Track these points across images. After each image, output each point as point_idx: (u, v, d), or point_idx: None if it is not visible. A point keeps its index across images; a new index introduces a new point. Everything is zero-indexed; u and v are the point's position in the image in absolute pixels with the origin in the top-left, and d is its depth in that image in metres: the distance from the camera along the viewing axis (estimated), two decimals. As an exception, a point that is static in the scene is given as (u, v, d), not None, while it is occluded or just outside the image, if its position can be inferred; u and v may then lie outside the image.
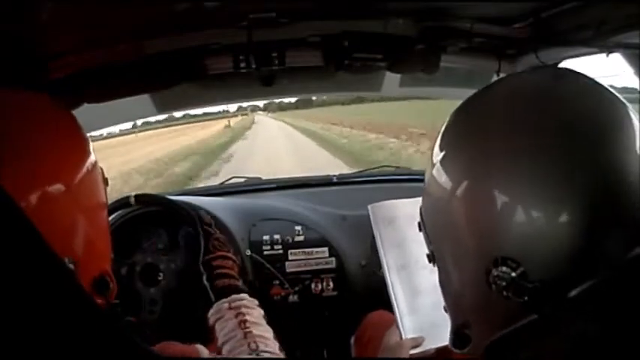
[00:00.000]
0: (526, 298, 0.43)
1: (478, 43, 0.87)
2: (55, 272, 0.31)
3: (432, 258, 0.55)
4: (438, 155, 0.51)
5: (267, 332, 0.73)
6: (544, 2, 0.77)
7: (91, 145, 0.62)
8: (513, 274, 0.43)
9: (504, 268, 0.43)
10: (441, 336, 0.81)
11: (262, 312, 0.78)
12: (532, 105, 0.46)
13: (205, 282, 0.83)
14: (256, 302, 0.79)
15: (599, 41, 0.76)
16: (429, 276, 0.89)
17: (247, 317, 0.74)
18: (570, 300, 0.42)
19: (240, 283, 0.84)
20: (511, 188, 0.43)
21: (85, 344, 0.31)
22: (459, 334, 0.53)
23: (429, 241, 0.55)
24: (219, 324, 0.75)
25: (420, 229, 0.56)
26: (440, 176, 0.49)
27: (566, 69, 0.53)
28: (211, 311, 0.78)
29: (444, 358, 0.84)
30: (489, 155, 0.45)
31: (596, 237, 0.42)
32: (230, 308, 0.76)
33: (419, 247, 0.90)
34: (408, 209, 0.93)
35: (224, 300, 0.78)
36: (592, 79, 0.48)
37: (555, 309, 0.42)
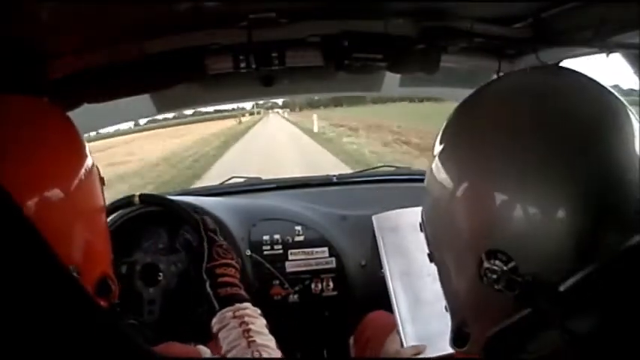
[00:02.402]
0: (517, 291, 0.43)
1: (478, 43, 0.87)
2: (58, 276, 0.32)
3: (431, 257, 0.56)
4: (436, 152, 0.51)
5: (270, 341, 0.74)
6: (544, 2, 0.77)
7: (88, 147, 0.62)
8: (504, 268, 0.43)
9: (496, 262, 0.44)
10: (442, 345, 0.81)
11: (265, 322, 0.78)
12: (528, 103, 0.46)
13: (208, 289, 0.83)
14: (259, 311, 0.80)
15: (599, 41, 0.76)
16: (432, 285, 0.89)
17: (251, 326, 0.74)
18: (562, 293, 0.42)
19: (242, 291, 0.84)
20: (506, 184, 0.44)
21: (89, 346, 0.31)
22: (458, 332, 0.53)
23: (428, 241, 0.55)
24: (222, 332, 0.75)
25: (422, 230, 0.56)
26: (438, 173, 0.50)
27: (563, 67, 0.54)
28: (215, 319, 0.78)
29: None
30: (485, 152, 0.46)
31: (590, 232, 0.42)
32: (234, 317, 0.77)
33: (423, 255, 0.90)
34: (411, 218, 0.93)
35: (228, 308, 0.78)
36: (589, 77, 0.48)
37: (547, 302, 0.42)
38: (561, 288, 0.42)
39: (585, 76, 0.48)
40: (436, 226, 0.53)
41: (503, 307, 0.45)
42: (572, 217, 0.41)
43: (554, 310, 0.42)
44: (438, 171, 0.50)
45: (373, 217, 0.95)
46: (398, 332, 0.89)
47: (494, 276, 0.44)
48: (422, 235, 0.90)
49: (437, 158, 0.51)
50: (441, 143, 0.51)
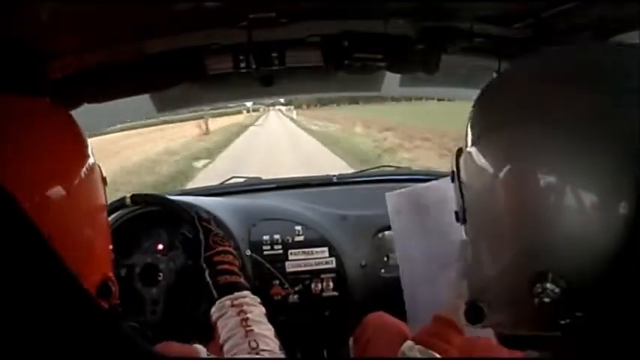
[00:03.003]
0: (568, 320, 0.40)
1: (478, 43, 0.87)
2: (60, 276, 0.32)
3: (460, 217, 0.51)
4: (479, 131, 0.47)
5: (268, 331, 0.74)
6: (544, 2, 0.77)
7: (90, 146, 0.62)
8: (557, 290, 0.40)
9: (548, 285, 0.40)
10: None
11: (264, 309, 0.78)
12: (585, 80, 0.41)
13: (208, 278, 0.83)
14: (258, 300, 0.80)
15: (599, 41, 0.76)
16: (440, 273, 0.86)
17: (249, 315, 0.74)
18: (602, 328, 0.38)
19: (242, 279, 0.84)
20: (561, 177, 0.39)
21: (91, 346, 0.31)
22: (475, 306, 0.50)
23: (461, 199, 0.50)
24: (221, 321, 0.75)
25: (453, 180, 0.52)
26: (480, 156, 0.46)
27: (613, 44, 0.50)
28: (214, 308, 0.78)
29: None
30: (537, 138, 0.41)
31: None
32: (232, 306, 0.77)
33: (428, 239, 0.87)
34: (421, 198, 0.89)
35: (227, 297, 0.78)
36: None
37: (589, 340, 0.39)
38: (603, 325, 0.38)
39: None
40: (478, 212, 0.48)
41: (534, 310, 0.42)
42: (634, 217, 0.36)
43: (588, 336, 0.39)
44: (484, 160, 0.45)
45: (386, 195, 0.92)
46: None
47: (547, 299, 0.40)
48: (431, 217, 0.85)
49: (476, 150, 0.46)
50: (480, 126, 0.47)
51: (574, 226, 0.38)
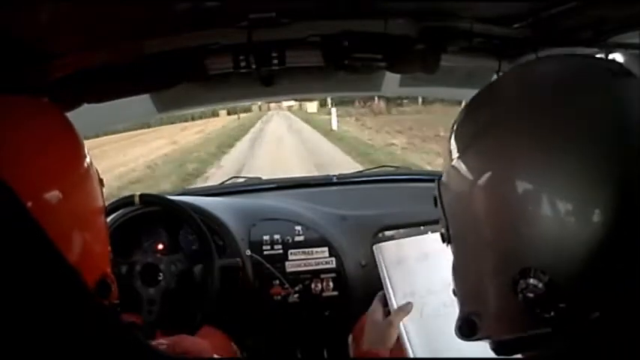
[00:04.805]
0: (552, 313, 0.41)
1: (478, 43, 0.87)
2: (62, 274, 0.32)
3: (446, 238, 0.53)
4: (458, 144, 0.49)
5: None
6: (544, 2, 0.77)
7: (86, 148, 0.62)
8: (540, 285, 0.41)
9: (531, 280, 0.42)
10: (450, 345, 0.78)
11: None
12: (561, 92, 0.43)
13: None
14: None
15: (599, 41, 0.76)
16: (436, 301, 0.86)
17: None
18: (591, 322, 0.40)
19: None
20: (539, 184, 0.41)
21: (92, 343, 0.31)
22: (467, 320, 0.51)
23: (445, 220, 0.52)
24: None
25: (436, 205, 0.54)
26: (460, 167, 0.48)
27: (593, 56, 0.52)
28: None
29: None
30: (514, 147, 0.43)
31: (627, 241, 0.39)
32: None
33: (428, 280, 0.88)
34: (414, 250, 0.92)
35: None
36: (620, 65, 0.47)
37: (576, 331, 0.40)
38: (592, 316, 0.40)
39: (616, 63, 0.47)
40: (459, 221, 0.50)
41: (523, 313, 0.44)
42: (607, 222, 0.38)
43: (578, 336, 0.40)
44: (461, 166, 0.48)
45: (374, 247, 0.95)
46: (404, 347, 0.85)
47: (531, 295, 0.42)
48: (426, 265, 0.88)
49: (460, 152, 0.48)
50: (463, 135, 0.49)
51: (554, 227, 0.41)
